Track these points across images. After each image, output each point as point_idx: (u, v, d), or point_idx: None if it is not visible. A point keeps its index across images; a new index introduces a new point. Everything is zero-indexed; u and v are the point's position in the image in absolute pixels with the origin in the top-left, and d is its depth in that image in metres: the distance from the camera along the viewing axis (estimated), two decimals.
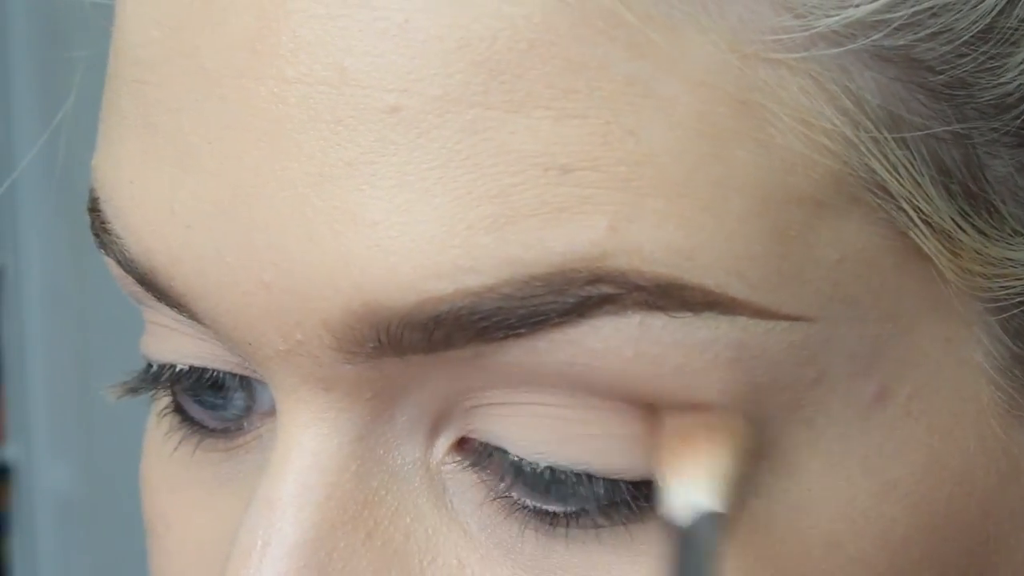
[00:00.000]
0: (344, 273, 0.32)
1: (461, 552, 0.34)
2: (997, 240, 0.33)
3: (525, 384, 0.33)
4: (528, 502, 0.33)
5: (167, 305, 0.35)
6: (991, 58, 0.32)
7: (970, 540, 0.35)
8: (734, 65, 0.31)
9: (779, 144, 0.31)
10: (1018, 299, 0.34)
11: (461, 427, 0.34)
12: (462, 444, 0.34)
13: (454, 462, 0.34)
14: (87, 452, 1.97)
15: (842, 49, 0.31)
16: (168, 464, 0.39)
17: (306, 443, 0.34)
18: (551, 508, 0.33)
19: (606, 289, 0.31)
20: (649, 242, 0.31)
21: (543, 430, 0.33)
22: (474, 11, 0.31)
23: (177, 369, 0.37)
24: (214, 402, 0.37)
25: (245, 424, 0.37)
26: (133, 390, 0.39)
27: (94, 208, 0.36)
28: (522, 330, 0.31)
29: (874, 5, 0.31)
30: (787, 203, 0.32)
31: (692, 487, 0.32)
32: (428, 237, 0.31)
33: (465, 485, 0.34)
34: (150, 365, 0.38)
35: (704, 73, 0.31)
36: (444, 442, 0.34)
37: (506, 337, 0.32)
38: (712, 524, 0.31)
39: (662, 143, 0.31)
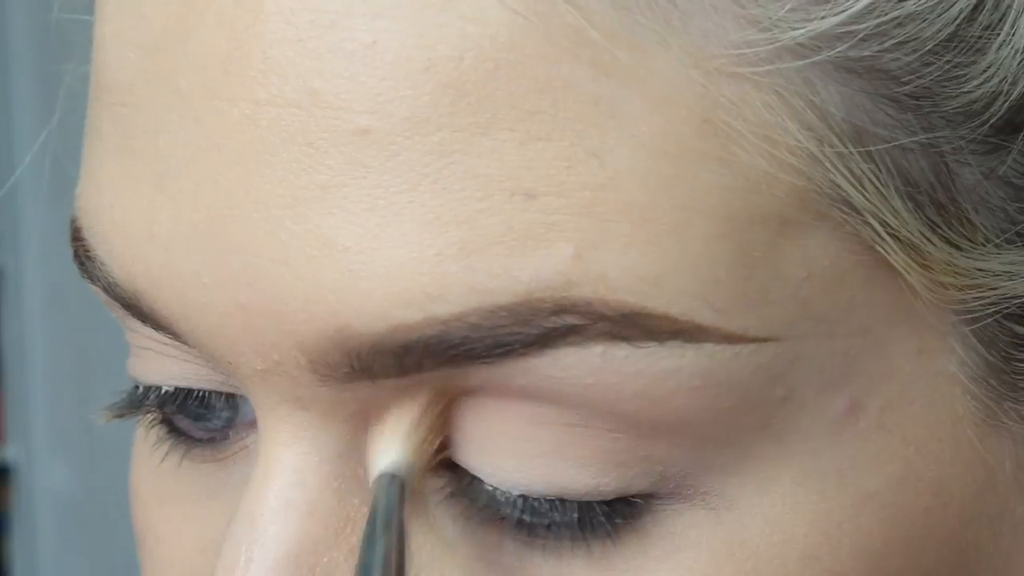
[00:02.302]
0: (318, 298, 0.32)
1: (443, 566, 0.34)
2: (968, 251, 0.33)
3: (491, 406, 0.33)
4: (505, 512, 0.33)
5: (152, 328, 0.35)
6: (956, 66, 0.32)
7: (948, 549, 0.35)
8: (698, 82, 0.31)
9: (743, 163, 0.31)
10: (991, 309, 0.34)
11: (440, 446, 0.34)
12: (440, 463, 0.34)
13: (434, 481, 0.34)
14: (87, 452, 1.97)
15: (807, 61, 0.31)
16: (156, 476, 0.39)
17: (287, 460, 0.34)
18: (528, 519, 0.33)
19: (571, 320, 0.31)
20: (614, 269, 0.31)
21: (512, 459, 0.33)
22: (441, 32, 0.31)
23: (163, 391, 0.38)
24: (199, 412, 0.38)
25: (231, 434, 0.37)
26: (120, 414, 0.39)
27: (76, 237, 0.36)
28: (488, 359, 0.32)
29: (839, 17, 0.31)
30: (751, 223, 0.32)
31: (379, 448, 0.33)
32: (398, 263, 0.31)
33: (446, 502, 0.34)
34: (137, 387, 0.39)
35: (668, 91, 0.31)
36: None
37: (472, 363, 0.32)
38: (392, 483, 0.32)
39: (626, 165, 0.31)
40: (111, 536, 1.71)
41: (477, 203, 0.31)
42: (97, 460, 1.96)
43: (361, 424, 0.34)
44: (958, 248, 0.33)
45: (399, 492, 0.32)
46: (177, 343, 0.35)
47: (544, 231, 0.31)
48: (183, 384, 0.37)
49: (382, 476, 0.33)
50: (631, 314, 0.31)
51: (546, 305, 0.31)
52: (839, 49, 0.31)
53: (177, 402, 0.38)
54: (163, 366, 0.37)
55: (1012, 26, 0.32)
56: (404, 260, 0.31)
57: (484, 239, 0.31)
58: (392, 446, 0.33)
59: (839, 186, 0.32)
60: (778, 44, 0.31)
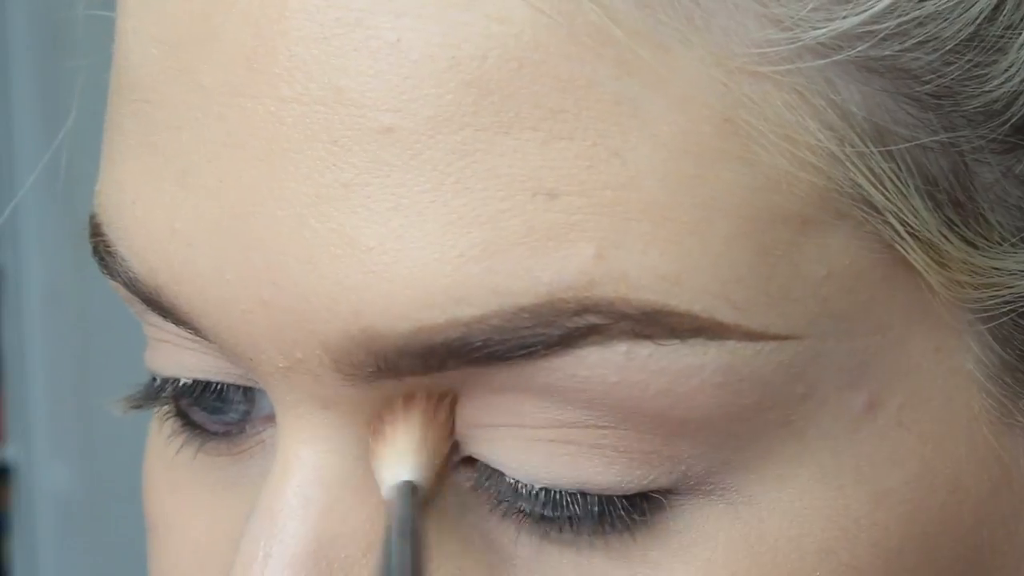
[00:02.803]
0: (342, 298, 0.32)
1: (461, 562, 0.34)
2: (985, 250, 0.33)
3: (515, 402, 0.33)
4: (524, 506, 0.33)
5: (172, 323, 0.35)
6: (977, 65, 0.32)
7: (963, 547, 0.35)
8: (719, 81, 0.31)
9: (764, 162, 0.31)
10: (1007, 307, 0.34)
11: (462, 447, 0.34)
12: (462, 460, 0.34)
13: (458, 478, 0.34)
14: (87, 452, 1.97)
15: (828, 61, 0.31)
16: (170, 466, 0.39)
17: (306, 457, 0.34)
18: (547, 513, 0.33)
19: (593, 319, 0.31)
20: (635, 268, 0.31)
21: (535, 454, 0.33)
22: (465, 30, 0.31)
23: (180, 383, 0.38)
24: (215, 406, 0.38)
25: (247, 428, 0.37)
26: (138, 405, 0.39)
27: (96, 233, 0.36)
28: (511, 360, 0.32)
29: (861, 16, 0.31)
30: (772, 222, 0.32)
31: (391, 459, 0.33)
32: (421, 264, 0.31)
33: (465, 497, 0.34)
34: (154, 379, 0.39)
35: (690, 90, 0.31)
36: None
37: (495, 363, 0.32)
38: (406, 492, 0.32)
39: (648, 164, 0.31)
40: (111, 536, 1.71)
41: (499, 203, 0.31)
42: (97, 460, 1.96)
43: (377, 427, 0.34)
44: (975, 247, 0.33)
45: (415, 499, 0.32)
46: (197, 338, 0.35)
47: (566, 231, 0.31)
48: (201, 376, 0.37)
49: (399, 484, 0.33)
50: (653, 312, 0.31)
51: (568, 306, 0.31)
52: (860, 48, 0.31)
53: (195, 395, 0.38)
54: (181, 358, 0.37)
55: None
56: (427, 261, 0.31)
57: (506, 240, 0.31)
58: (407, 452, 0.33)
59: (860, 185, 0.32)
60: (799, 43, 0.31)
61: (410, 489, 0.32)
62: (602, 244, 0.31)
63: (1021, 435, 0.36)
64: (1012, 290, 0.34)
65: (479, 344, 0.31)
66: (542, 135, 0.31)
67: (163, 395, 0.38)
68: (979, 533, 0.36)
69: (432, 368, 0.32)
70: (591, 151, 0.31)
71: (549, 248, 0.31)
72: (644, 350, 0.32)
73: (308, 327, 0.32)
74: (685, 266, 0.31)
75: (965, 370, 0.35)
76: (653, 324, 0.31)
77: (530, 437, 0.33)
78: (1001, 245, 0.34)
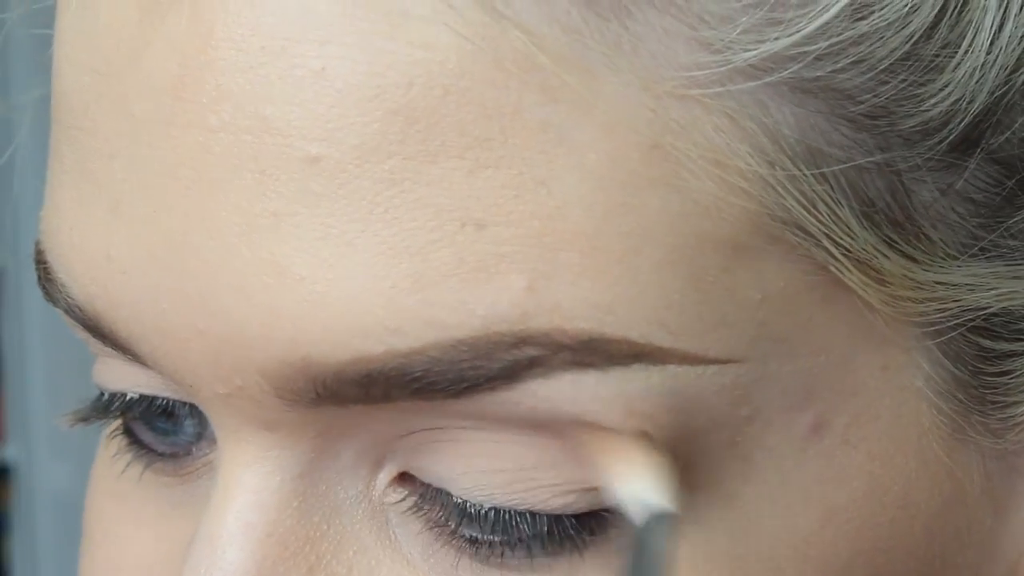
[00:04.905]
0: (277, 326, 0.31)
1: None
2: (927, 265, 0.33)
3: (465, 427, 0.32)
4: (465, 532, 0.33)
5: (113, 349, 0.35)
6: (912, 84, 0.32)
7: (916, 562, 0.35)
8: (647, 107, 0.31)
9: (692, 188, 0.31)
10: (955, 321, 0.34)
11: (405, 461, 0.34)
12: (404, 477, 0.34)
13: (397, 494, 0.34)
14: (87, 452, 1.97)
15: (760, 83, 0.31)
16: (117, 480, 0.39)
17: (247, 481, 0.34)
18: (486, 537, 0.33)
19: (531, 351, 0.31)
20: (568, 299, 0.31)
21: (485, 473, 0.33)
22: (390, 58, 0.31)
23: (128, 397, 0.38)
24: (164, 428, 0.38)
25: (194, 450, 0.37)
26: (85, 419, 0.39)
27: (40, 260, 0.36)
28: (454, 393, 0.31)
29: (793, 38, 0.31)
30: (701, 249, 0.31)
31: (642, 488, 0.32)
32: (355, 294, 0.31)
33: (407, 516, 0.34)
34: (102, 394, 0.39)
35: (617, 116, 0.31)
36: (386, 476, 0.34)
37: (438, 396, 0.31)
38: (663, 523, 0.31)
39: (574, 193, 0.31)
40: None
41: (428, 234, 0.31)
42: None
43: (324, 445, 0.34)
44: (915, 261, 0.33)
45: (668, 532, 0.32)
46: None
47: (495, 262, 0.31)
48: (147, 392, 0.37)
49: (659, 513, 0.32)
50: (589, 341, 0.31)
51: (505, 338, 0.31)
52: (792, 69, 0.31)
53: (141, 409, 0.38)
54: (127, 373, 0.37)
55: (970, 44, 0.32)
56: (359, 291, 0.31)
57: (438, 272, 0.31)
58: (657, 480, 0.32)
59: (791, 209, 0.32)
60: (730, 66, 0.31)
61: (668, 518, 0.32)
62: (532, 275, 0.31)
63: (974, 450, 0.36)
64: (959, 303, 0.34)
65: (419, 374, 0.31)
66: (468, 164, 0.31)
67: (111, 409, 0.38)
68: (931, 547, 0.35)
69: (376, 399, 0.32)
70: (517, 180, 0.31)
71: (480, 280, 0.31)
72: (590, 378, 0.31)
73: (245, 355, 0.32)
74: (616, 295, 0.31)
75: (915, 387, 0.34)
76: (592, 353, 0.31)
77: (481, 453, 0.33)
78: (945, 261, 0.33)
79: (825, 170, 0.32)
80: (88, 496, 0.41)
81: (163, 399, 0.37)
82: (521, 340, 0.31)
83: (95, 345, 0.36)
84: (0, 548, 2.08)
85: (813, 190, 0.32)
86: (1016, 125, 0.33)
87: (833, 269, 0.32)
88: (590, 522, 0.33)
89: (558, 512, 0.33)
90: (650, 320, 0.31)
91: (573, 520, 0.33)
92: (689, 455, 0.33)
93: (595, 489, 0.32)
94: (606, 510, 0.33)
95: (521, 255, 0.31)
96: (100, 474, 0.40)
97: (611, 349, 0.31)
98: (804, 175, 0.32)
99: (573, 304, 0.31)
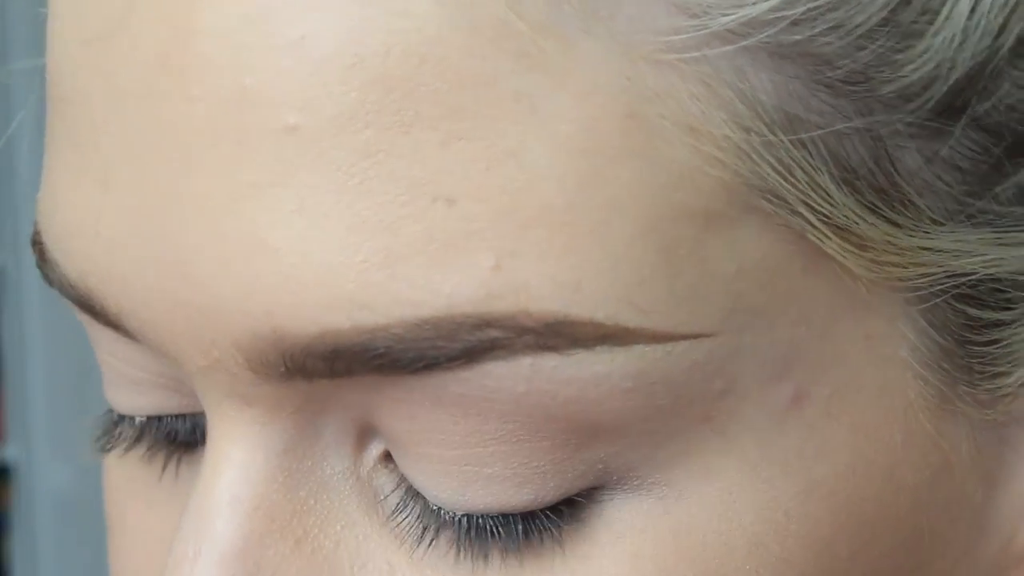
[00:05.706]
0: (254, 298, 0.31)
1: (391, 556, 0.34)
2: (911, 230, 0.33)
3: (433, 418, 0.32)
4: (451, 530, 0.33)
5: (105, 325, 0.35)
6: (891, 50, 0.31)
7: (902, 535, 0.35)
8: (623, 75, 0.30)
9: (666, 158, 0.31)
10: (939, 288, 0.33)
11: (385, 439, 0.34)
12: (390, 458, 0.34)
13: (387, 470, 0.34)
14: (87, 452, 1.97)
15: (737, 47, 0.31)
16: (125, 462, 0.39)
17: (234, 455, 0.34)
18: (473, 537, 0.33)
19: (494, 334, 0.31)
20: (535, 277, 0.30)
21: (452, 478, 0.33)
22: (369, 26, 0.30)
23: (136, 421, 0.38)
24: (172, 433, 0.38)
25: (198, 435, 0.38)
26: (107, 450, 0.39)
27: (36, 241, 0.36)
28: (415, 370, 0.31)
29: (771, 2, 0.31)
30: (675, 220, 0.31)
31: None
32: (326, 268, 0.31)
33: (395, 507, 0.34)
34: (114, 423, 0.39)
35: (592, 84, 0.30)
36: (374, 451, 0.34)
37: (400, 373, 0.31)
38: None
39: (545, 165, 0.30)
40: None
41: (400, 208, 0.30)
42: (97, 460, 1.96)
43: (304, 421, 0.34)
44: (898, 226, 0.33)
45: None
46: (142, 364, 0.36)
47: (464, 240, 0.30)
48: (154, 413, 0.37)
49: None
50: (555, 323, 0.31)
51: (469, 320, 0.31)
52: (770, 33, 0.31)
53: (152, 430, 0.38)
54: (135, 398, 0.37)
55: (950, 10, 0.32)
56: (332, 265, 0.31)
57: (408, 247, 0.30)
58: None
59: (765, 177, 0.31)
60: (707, 31, 0.30)
61: None
62: (500, 254, 0.30)
63: (962, 421, 0.35)
64: (944, 269, 0.33)
65: (381, 351, 0.31)
66: (441, 135, 0.30)
67: (123, 436, 0.38)
68: (918, 521, 0.35)
69: (339, 373, 0.32)
70: (488, 152, 0.30)
71: (448, 258, 0.30)
72: (550, 362, 0.31)
73: (222, 327, 0.32)
74: (584, 272, 0.31)
75: (899, 357, 0.34)
76: (556, 336, 0.31)
77: (443, 463, 0.33)
78: (931, 226, 0.33)
79: (803, 136, 0.31)
80: (105, 485, 0.41)
81: (168, 418, 0.37)
82: (485, 323, 0.31)
83: (92, 328, 0.36)
84: (0, 548, 2.08)
85: (790, 156, 0.31)
86: (1001, 91, 0.33)
87: (812, 237, 0.32)
88: (564, 509, 0.33)
89: (530, 508, 0.33)
90: (619, 298, 0.31)
91: (548, 511, 0.33)
92: (657, 432, 0.32)
93: (559, 475, 0.32)
94: (579, 495, 0.33)
95: (490, 232, 0.30)
96: (112, 463, 0.40)
97: (576, 332, 0.31)
98: (781, 141, 0.31)
99: (540, 283, 0.30)
